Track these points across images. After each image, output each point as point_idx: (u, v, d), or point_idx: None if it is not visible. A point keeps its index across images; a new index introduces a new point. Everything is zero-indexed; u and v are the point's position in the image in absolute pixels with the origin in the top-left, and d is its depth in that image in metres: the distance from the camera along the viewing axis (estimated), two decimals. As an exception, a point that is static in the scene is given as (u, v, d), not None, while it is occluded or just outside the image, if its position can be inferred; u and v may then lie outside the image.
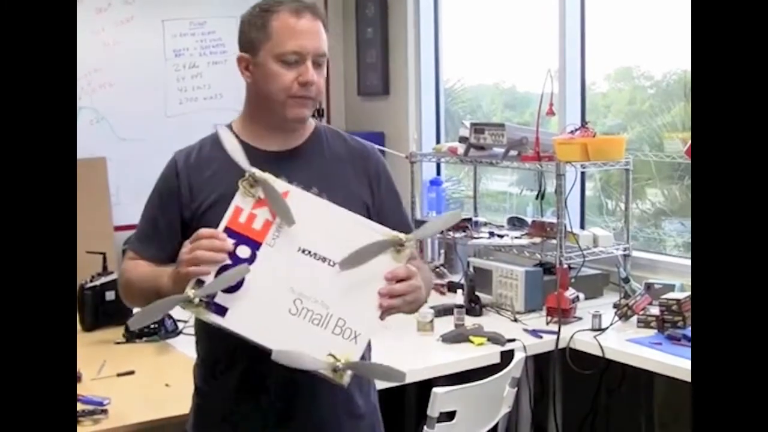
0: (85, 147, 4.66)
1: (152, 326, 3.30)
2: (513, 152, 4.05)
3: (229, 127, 2.18)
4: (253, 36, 2.07)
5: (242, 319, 1.83)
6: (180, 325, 3.39)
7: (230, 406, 2.10)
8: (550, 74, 3.89)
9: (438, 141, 5.21)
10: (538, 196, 4.24)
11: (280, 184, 1.91)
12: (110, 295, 3.45)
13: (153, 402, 2.66)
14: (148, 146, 5.20)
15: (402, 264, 1.91)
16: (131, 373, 2.90)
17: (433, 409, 2.68)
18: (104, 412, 2.49)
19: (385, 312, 1.89)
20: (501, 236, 4.20)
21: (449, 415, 2.75)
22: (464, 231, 4.31)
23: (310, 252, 1.89)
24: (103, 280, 3.44)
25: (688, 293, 3.42)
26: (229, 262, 1.84)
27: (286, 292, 1.86)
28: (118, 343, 3.28)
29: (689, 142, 3.52)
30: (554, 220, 3.88)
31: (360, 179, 2.17)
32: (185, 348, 3.20)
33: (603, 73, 4.60)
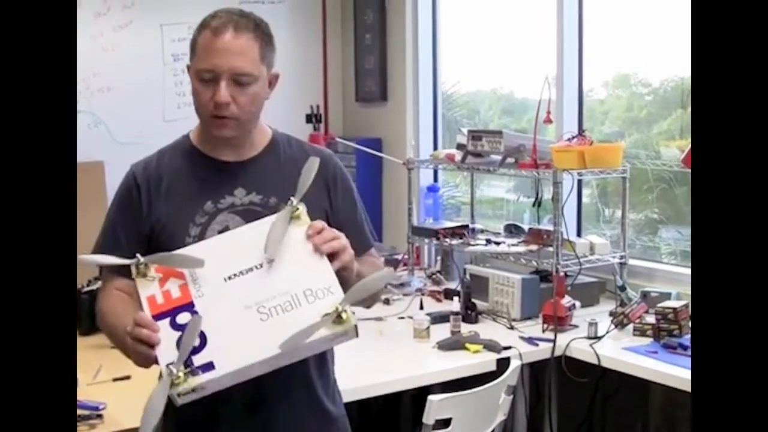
0: (83, 151, 4.64)
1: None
2: (510, 159, 4.05)
3: (187, 135, 2.20)
4: (190, 49, 2.08)
5: (230, 356, 1.82)
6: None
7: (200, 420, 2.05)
8: (548, 81, 3.90)
9: (435, 147, 5.22)
10: (535, 203, 4.25)
11: (161, 255, 1.94)
12: (107, 300, 3.44)
13: (149, 407, 2.65)
14: (146, 150, 5.10)
15: (308, 222, 1.94)
16: (127, 377, 2.90)
17: (429, 417, 2.68)
18: (100, 416, 2.49)
19: (334, 260, 1.91)
20: (498, 243, 4.20)
21: (445, 423, 2.75)
22: (461, 238, 4.31)
23: (235, 274, 1.91)
24: (100, 284, 3.43)
25: (685, 302, 3.42)
26: (179, 333, 1.84)
27: (245, 311, 1.86)
28: (114, 347, 3.27)
29: (686, 150, 3.52)
30: (551, 227, 3.89)
31: (318, 186, 2.11)
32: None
33: (601, 80, 4.60)
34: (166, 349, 1.81)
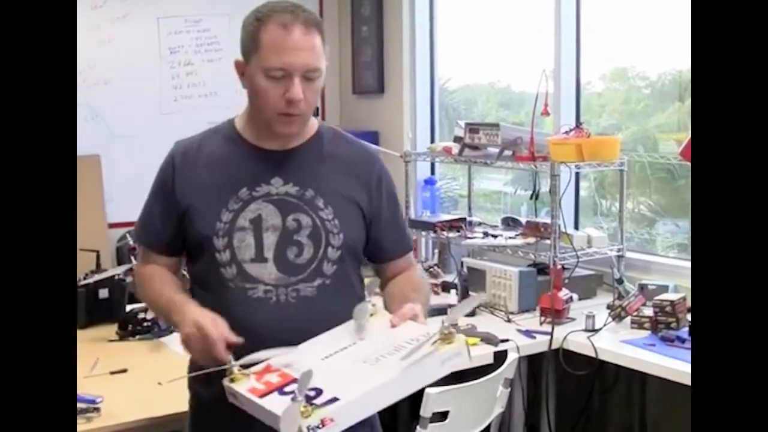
0: (80, 144, 4.61)
1: (145, 324, 3.29)
2: (507, 152, 4.05)
3: (231, 120, 2.18)
4: (246, 44, 2.05)
5: (351, 388, 1.81)
6: (173, 324, 3.39)
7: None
8: (545, 74, 3.89)
9: (432, 140, 5.21)
10: (532, 196, 4.24)
11: (256, 368, 1.93)
12: (103, 293, 3.45)
13: (146, 400, 2.65)
14: (142, 143, 5.19)
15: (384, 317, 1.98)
16: (124, 371, 2.90)
17: (426, 410, 2.68)
18: (97, 410, 2.48)
19: None
20: (495, 236, 4.20)
21: (442, 416, 2.75)
22: (458, 231, 4.31)
23: (331, 354, 1.92)
24: (97, 277, 3.43)
25: (682, 294, 3.42)
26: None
27: (352, 365, 1.87)
28: (111, 341, 3.28)
29: (684, 142, 3.52)
30: (548, 220, 3.88)
31: (357, 183, 2.13)
32: (178, 346, 3.17)
33: (598, 73, 4.60)
34: (279, 404, 1.79)
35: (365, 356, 1.87)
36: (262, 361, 1.91)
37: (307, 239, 2.06)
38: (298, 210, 2.06)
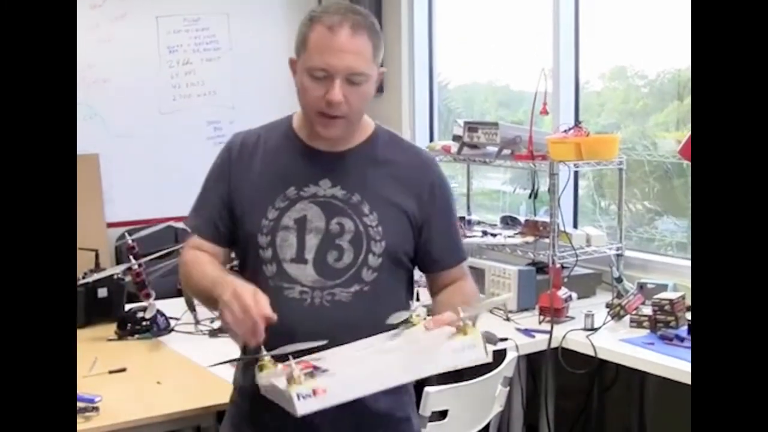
0: (79, 143, 4.59)
1: (144, 323, 3.29)
2: (506, 151, 4.04)
3: (290, 116, 2.16)
4: (297, 43, 2.03)
5: (349, 363, 1.82)
6: (172, 323, 3.39)
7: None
8: (544, 73, 3.89)
9: (431, 139, 5.21)
10: (531, 195, 4.24)
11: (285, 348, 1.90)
12: (102, 292, 3.45)
13: (145, 399, 2.66)
14: (141, 143, 5.20)
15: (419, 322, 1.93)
16: (123, 370, 2.89)
17: (425, 408, 2.68)
18: (96, 409, 2.48)
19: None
20: (494, 235, 4.20)
21: (441, 414, 2.75)
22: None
23: (359, 350, 1.91)
24: (96, 276, 3.43)
25: (681, 293, 3.42)
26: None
27: (369, 356, 1.86)
28: (110, 340, 3.27)
29: (683, 141, 3.52)
30: (547, 219, 3.88)
31: (408, 190, 2.09)
32: (177, 345, 3.20)
33: (597, 72, 4.60)
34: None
35: (383, 349, 1.86)
36: (293, 353, 1.87)
37: (348, 244, 2.04)
38: (342, 214, 2.04)
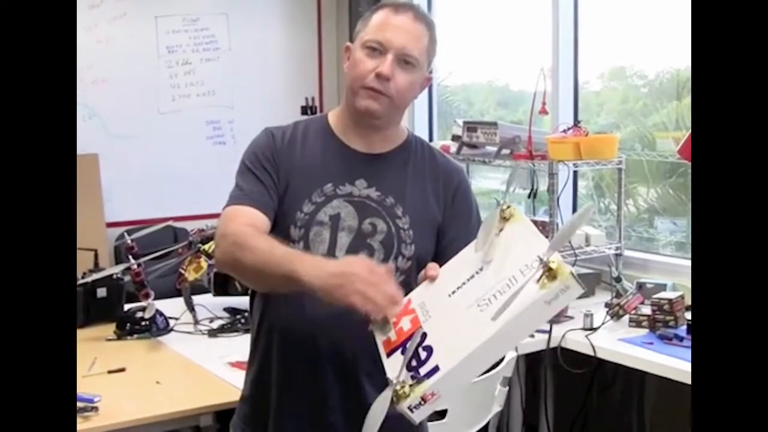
0: (78, 143, 4.63)
1: (143, 323, 3.29)
2: (505, 151, 4.05)
3: (325, 115, 2.16)
4: (358, 28, 2.07)
5: (452, 353, 1.69)
6: (171, 323, 3.39)
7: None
8: (543, 73, 3.89)
9: (431, 139, 5.22)
10: (530, 194, 4.24)
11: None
12: (101, 292, 3.45)
13: (144, 399, 2.65)
14: (140, 143, 5.21)
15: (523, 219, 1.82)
16: (122, 370, 2.89)
17: (423, 414, 2.67)
18: (95, 409, 2.48)
19: None
20: (493, 235, 4.19)
21: (441, 414, 2.75)
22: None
23: (457, 287, 1.82)
24: (95, 276, 3.43)
25: (680, 293, 3.42)
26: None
27: (466, 312, 1.75)
28: (109, 340, 3.27)
29: (681, 141, 3.52)
30: (546, 218, 3.88)
31: (436, 197, 2.11)
32: (176, 345, 3.20)
33: (596, 71, 4.61)
34: (393, 373, 1.73)
35: (481, 295, 1.74)
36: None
37: (379, 245, 2.04)
38: (376, 215, 2.04)
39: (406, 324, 1.81)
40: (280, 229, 2.02)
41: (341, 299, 1.73)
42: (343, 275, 1.74)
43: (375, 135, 2.09)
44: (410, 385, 1.67)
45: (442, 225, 2.11)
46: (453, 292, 1.81)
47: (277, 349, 2.06)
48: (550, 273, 1.61)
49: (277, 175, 2.03)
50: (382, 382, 1.77)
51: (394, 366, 1.73)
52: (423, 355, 1.71)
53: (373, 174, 2.07)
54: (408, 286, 1.99)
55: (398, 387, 1.67)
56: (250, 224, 1.96)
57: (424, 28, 2.03)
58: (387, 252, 2.04)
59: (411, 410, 1.66)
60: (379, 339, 1.82)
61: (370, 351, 1.85)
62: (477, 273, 1.81)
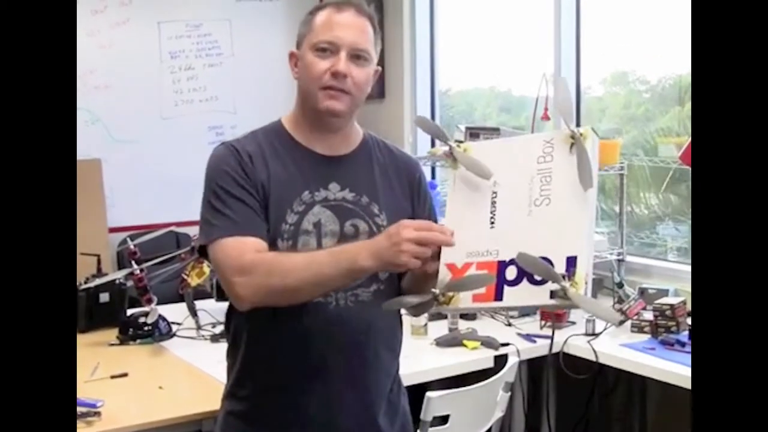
0: (80, 148, 4.66)
1: (146, 328, 3.30)
2: (508, 156, 4.04)
3: (279, 122, 2.14)
4: (300, 32, 2.07)
5: (568, 241, 1.74)
6: (174, 328, 3.39)
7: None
8: (546, 78, 3.90)
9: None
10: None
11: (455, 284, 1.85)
12: (104, 297, 3.45)
13: (146, 404, 2.66)
14: (143, 148, 5.21)
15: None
16: (125, 375, 2.89)
17: (427, 414, 2.68)
18: (97, 414, 2.48)
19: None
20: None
21: (443, 419, 2.75)
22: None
23: (491, 217, 1.85)
24: (98, 281, 3.44)
25: (682, 298, 3.42)
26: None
27: (528, 217, 1.80)
28: (112, 345, 3.28)
29: (684, 146, 3.52)
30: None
31: (404, 191, 2.15)
32: (179, 350, 3.20)
33: (598, 77, 4.61)
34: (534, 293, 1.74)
35: (526, 201, 1.81)
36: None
37: None
38: (355, 216, 2.06)
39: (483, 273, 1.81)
40: (269, 244, 2.00)
41: (400, 264, 1.78)
42: (389, 238, 1.79)
43: (336, 137, 2.10)
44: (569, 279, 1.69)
45: (412, 216, 2.12)
46: (492, 223, 1.85)
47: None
48: (574, 138, 1.79)
49: (256, 191, 2.02)
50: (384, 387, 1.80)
51: (525, 290, 1.74)
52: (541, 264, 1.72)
53: (344, 176, 2.08)
54: (392, 280, 2.07)
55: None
56: (261, 250, 1.96)
57: (367, 21, 2.06)
58: None
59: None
60: (466, 302, 1.81)
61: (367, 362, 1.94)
62: (496, 196, 1.86)
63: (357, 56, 2.02)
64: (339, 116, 2.05)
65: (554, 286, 1.70)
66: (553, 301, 1.71)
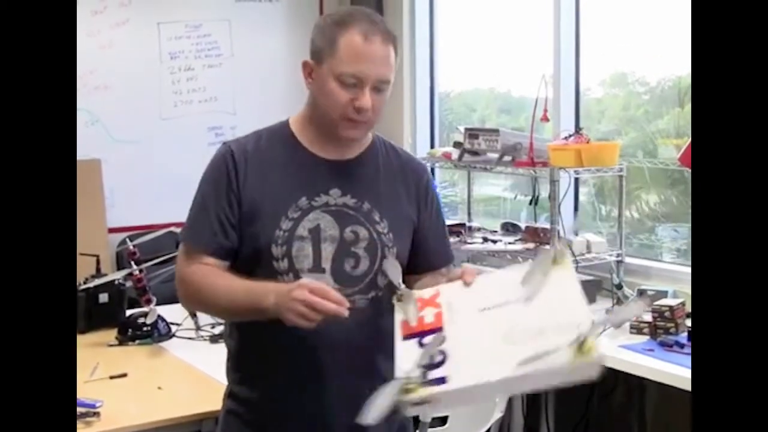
0: (80, 149, 4.61)
1: (145, 329, 3.30)
2: (507, 157, 4.05)
3: (286, 123, 2.13)
4: (320, 46, 2.01)
5: (465, 374, 1.73)
6: (173, 328, 3.39)
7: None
8: (545, 79, 3.90)
9: (432, 146, 5.22)
10: (531, 201, 4.24)
11: (427, 292, 1.91)
12: (103, 298, 3.45)
13: (145, 405, 2.66)
14: (143, 148, 5.20)
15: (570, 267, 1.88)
16: (124, 375, 2.90)
17: (426, 415, 2.68)
18: (96, 414, 2.48)
19: None
20: (494, 241, 4.20)
21: (442, 420, 2.76)
22: (458, 236, 4.31)
23: (491, 307, 1.85)
24: (97, 282, 3.44)
25: (681, 300, 3.42)
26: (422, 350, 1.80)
27: (491, 336, 1.79)
28: (111, 345, 3.28)
29: (683, 148, 3.52)
30: (548, 225, 3.88)
31: (409, 196, 2.13)
32: (178, 351, 3.20)
33: (598, 78, 4.61)
34: (405, 364, 1.76)
35: (510, 327, 1.79)
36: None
37: (363, 252, 2.04)
38: (355, 222, 2.05)
39: (429, 316, 1.85)
40: (260, 250, 2.02)
41: (285, 319, 1.83)
42: (288, 293, 1.83)
43: (346, 145, 2.09)
44: (416, 384, 1.70)
45: (417, 222, 2.14)
46: (485, 309, 1.85)
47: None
48: (582, 347, 1.71)
49: (238, 202, 2.02)
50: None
51: (406, 355, 1.77)
52: (438, 358, 1.75)
53: (346, 181, 2.07)
54: (390, 288, 2.04)
55: (405, 381, 1.70)
56: (209, 263, 2.03)
57: (392, 47, 2.02)
58: (372, 258, 2.05)
59: (411, 405, 1.71)
60: (398, 317, 1.86)
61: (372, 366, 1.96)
62: (514, 303, 1.84)
63: (378, 88, 1.99)
64: (356, 141, 2.08)
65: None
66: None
